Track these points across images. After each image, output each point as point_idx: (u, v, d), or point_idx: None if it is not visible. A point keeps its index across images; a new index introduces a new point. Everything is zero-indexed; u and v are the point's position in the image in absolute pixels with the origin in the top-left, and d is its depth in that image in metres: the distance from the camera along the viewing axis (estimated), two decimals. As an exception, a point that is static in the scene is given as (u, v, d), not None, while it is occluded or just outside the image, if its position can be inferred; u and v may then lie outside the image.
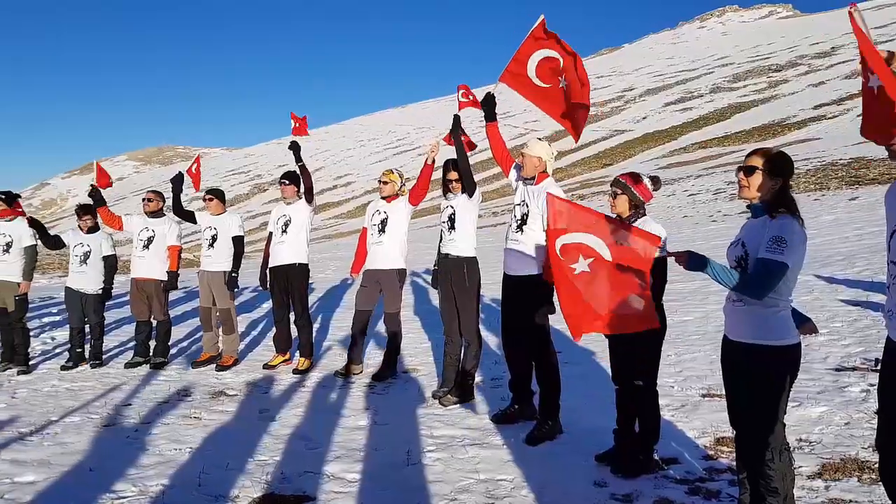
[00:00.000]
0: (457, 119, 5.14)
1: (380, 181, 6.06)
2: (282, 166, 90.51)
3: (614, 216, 3.70)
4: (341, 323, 8.74)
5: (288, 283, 6.36)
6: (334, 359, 6.75)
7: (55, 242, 6.66)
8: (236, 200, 77.54)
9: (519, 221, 4.57)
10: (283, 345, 6.55)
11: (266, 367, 6.42)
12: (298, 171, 6.37)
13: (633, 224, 3.57)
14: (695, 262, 2.77)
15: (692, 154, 40.93)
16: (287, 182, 6.44)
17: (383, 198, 6.05)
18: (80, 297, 6.59)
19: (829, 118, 42.38)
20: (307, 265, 6.46)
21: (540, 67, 4.73)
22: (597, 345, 6.07)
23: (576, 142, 4.92)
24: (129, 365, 6.60)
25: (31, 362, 6.66)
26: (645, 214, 3.76)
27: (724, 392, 3.10)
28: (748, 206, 2.95)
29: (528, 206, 4.53)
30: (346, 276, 14.10)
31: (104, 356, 6.87)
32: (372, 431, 4.56)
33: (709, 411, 4.51)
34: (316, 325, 8.16)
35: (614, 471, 3.66)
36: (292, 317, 6.48)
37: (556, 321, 4.22)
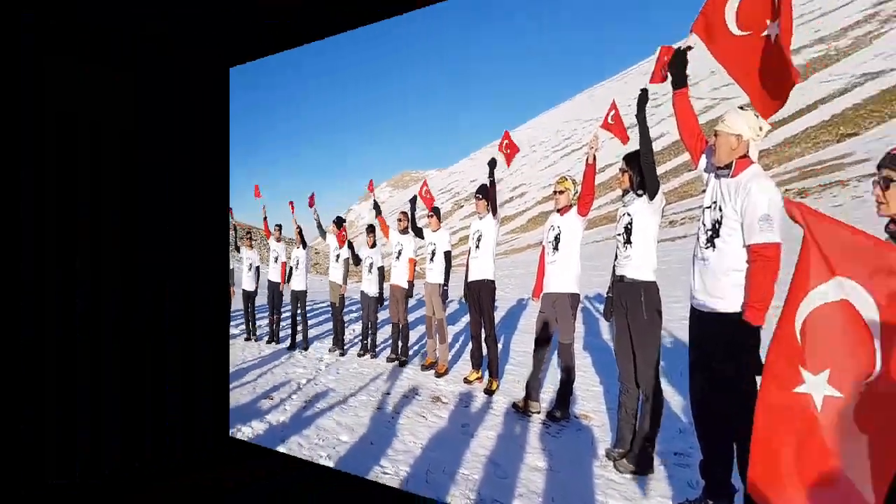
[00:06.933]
0: (644, 92, 3.94)
1: (554, 192, 5.42)
2: (473, 181, 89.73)
3: (886, 220, 2.29)
4: (519, 346, 8.89)
5: (479, 299, 6.50)
6: (514, 384, 6.90)
7: (357, 260, 8.59)
8: (442, 217, 78.23)
9: (709, 232, 3.33)
10: (477, 361, 6.86)
11: (466, 381, 6.95)
12: (488, 185, 6.40)
13: None
14: None
15: None
16: (480, 197, 6.56)
17: (557, 210, 5.42)
18: (368, 299, 8.47)
19: None
20: (493, 282, 6.39)
21: (743, 8, 3.27)
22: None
23: (764, 119, 3.32)
24: (389, 360, 8.27)
25: (344, 347, 9.17)
26: None
27: None
28: None
29: (720, 210, 3.28)
30: (522, 297, 13.60)
31: (377, 349, 8.96)
32: (548, 477, 4.56)
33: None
34: (500, 346, 8.39)
35: None
36: (483, 333, 6.62)
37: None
